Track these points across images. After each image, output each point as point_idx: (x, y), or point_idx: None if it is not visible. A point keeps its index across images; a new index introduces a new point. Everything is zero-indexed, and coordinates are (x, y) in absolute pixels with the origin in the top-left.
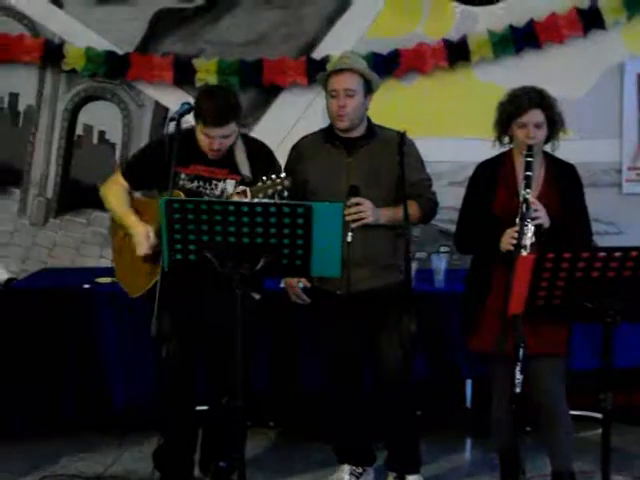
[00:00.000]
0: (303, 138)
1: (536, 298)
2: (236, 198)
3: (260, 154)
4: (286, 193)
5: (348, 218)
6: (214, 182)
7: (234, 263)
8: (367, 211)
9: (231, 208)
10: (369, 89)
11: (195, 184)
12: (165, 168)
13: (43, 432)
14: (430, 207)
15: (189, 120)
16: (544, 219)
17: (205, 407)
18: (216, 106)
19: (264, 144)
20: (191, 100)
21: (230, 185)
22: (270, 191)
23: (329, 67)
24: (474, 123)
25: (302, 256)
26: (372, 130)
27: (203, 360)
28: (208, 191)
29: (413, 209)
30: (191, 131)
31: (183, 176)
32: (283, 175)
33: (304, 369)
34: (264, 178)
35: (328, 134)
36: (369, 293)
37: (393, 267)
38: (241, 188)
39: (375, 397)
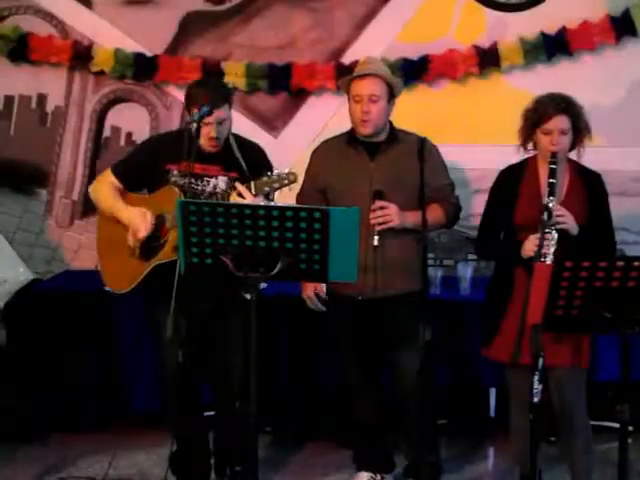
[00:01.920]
0: (324, 142)
1: (554, 308)
2: (235, 195)
3: (253, 152)
4: (290, 188)
5: (373, 221)
6: (206, 179)
7: (250, 267)
8: (393, 214)
9: (247, 211)
10: (392, 94)
11: (187, 180)
12: (155, 166)
13: (63, 433)
14: (454, 211)
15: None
16: (571, 225)
17: (211, 412)
18: (207, 89)
19: (255, 143)
20: None
21: (222, 182)
22: (276, 185)
23: (349, 75)
24: (504, 130)
25: (319, 261)
26: (394, 135)
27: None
28: (199, 187)
29: (437, 213)
30: (184, 131)
31: (175, 172)
32: (288, 169)
33: (323, 375)
34: (269, 173)
35: (350, 138)
36: (389, 299)
37: (413, 274)
38: (246, 184)
39: (395, 403)
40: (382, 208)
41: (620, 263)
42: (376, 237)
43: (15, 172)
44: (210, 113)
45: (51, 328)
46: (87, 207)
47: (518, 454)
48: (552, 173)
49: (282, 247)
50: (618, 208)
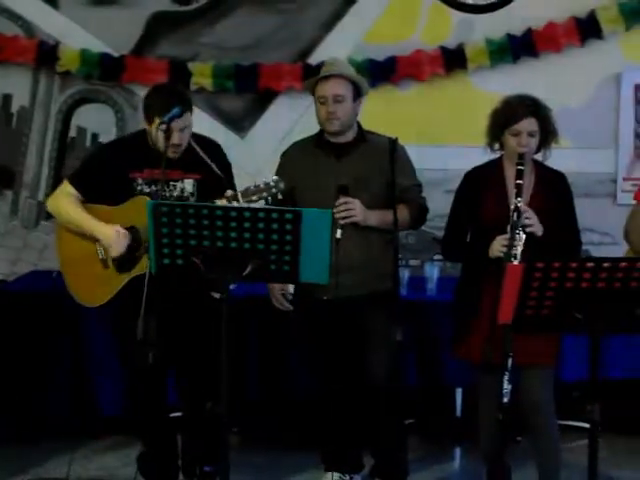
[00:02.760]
0: (293, 145)
1: (525, 308)
2: (224, 202)
3: (216, 150)
4: (280, 196)
5: (337, 216)
6: (172, 183)
7: (221, 268)
8: (356, 209)
9: (219, 212)
10: (358, 94)
11: (153, 188)
12: (117, 176)
13: (30, 436)
14: (420, 212)
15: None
16: (537, 227)
17: (178, 413)
18: (169, 97)
19: (213, 139)
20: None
21: (189, 185)
22: (264, 194)
23: (313, 77)
24: (470, 131)
25: (290, 262)
26: (362, 135)
27: (176, 366)
28: (167, 193)
29: (403, 214)
30: (139, 134)
31: (140, 181)
32: (276, 178)
33: (291, 375)
34: (256, 182)
35: (318, 140)
36: (357, 299)
37: (382, 274)
38: (230, 193)
39: (363, 404)
40: (346, 203)
41: (590, 264)
42: (339, 230)
43: None
44: (181, 114)
45: (17, 329)
46: None
47: (486, 452)
48: (519, 174)
49: (253, 248)
50: (584, 209)
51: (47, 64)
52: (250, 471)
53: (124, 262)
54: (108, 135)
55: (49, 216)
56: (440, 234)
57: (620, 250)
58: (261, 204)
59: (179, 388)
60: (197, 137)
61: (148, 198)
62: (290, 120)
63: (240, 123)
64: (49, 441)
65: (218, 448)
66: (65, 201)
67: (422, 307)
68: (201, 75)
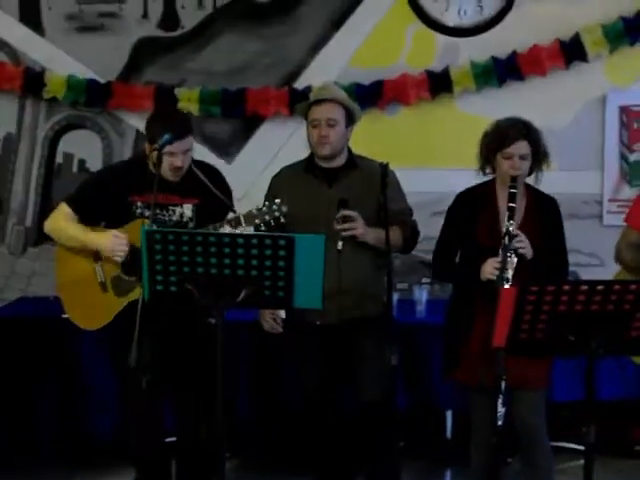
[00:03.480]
0: (283, 169)
1: (519, 332)
2: (227, 227)
3: (216, 175)
4: (283, 219)
5: (339, 227)
6: (171, 208)
7: (215, 295)
8: (357, 222)
9: (212, 239)
10: (350, 120)
11: (152, 212)
12: (116, 199)
13: (20, 465)
14: (412, 234)
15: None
16: (528, 250)
17: (173, 438)
18: (164, 123)
19: (212, 165)
20: None
21: (188, 210)
22: (267, 217)
23: (306, 101)
24: (457, 154)
25: (284, 288)
26: (353, 160)
27: (171, 391)
28: (166, 218)
29: (396, 234)
30: (139, 158)
31: (140, 204)
32: (278, 201)
33: (283, 399)
34: (259, 205)
35: (308, 164)
36: (349, 323)
37: (373, 297)
38: (232, 216)
39: (356, 428)
40: (349, 216)
41: (584, 287)
42: (340, 242)
43: None
44: (171, 141)
45: (6, 356)
46: (40, 234)
47: (479, 475)
48: (512, 197)
49: (247, 274)
50: (570, 230)
51: (33, 91)
52: None
53: (122, 283)
54: (95, 161)
55: (37, 243)
56: (427, 257)
57: (607, 272)
58: (263, 228)
59: (176, 412)
60: (197, 162)
61: (148, 221)
62: (277, 145)
63: (227, 148)
64: (40, 470)
65: (213, 472)
66: (61, 219)
67: (411, 330)
68: (187, 100)
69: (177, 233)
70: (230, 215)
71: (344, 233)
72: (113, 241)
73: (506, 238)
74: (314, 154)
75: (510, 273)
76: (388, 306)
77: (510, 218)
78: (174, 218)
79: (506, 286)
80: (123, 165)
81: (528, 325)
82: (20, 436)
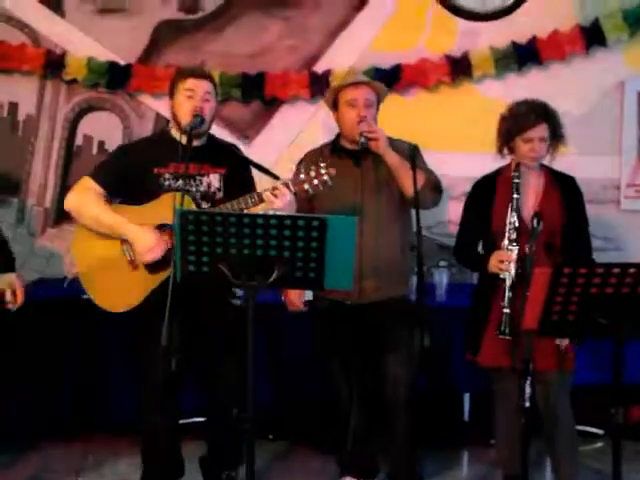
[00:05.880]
0: (310, 152)
1: (551, 313)
2: (270, 196)
3: (235, 148)
4: (330, 183)
5: (363, 128)
6: (198, 178)
7: (247, 275)
8: (379, 132)
9: (246, 220)
10: (377, 107)
11: (180, 182)
12: (141, 171)
13: (41, 444)
14: (435, 177)
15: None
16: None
17: (202, 418)
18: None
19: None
20: None
21: (215, 179)
22: (315, 181)
23: (340, 82)
24: (475, 138)
25: (315, 269)
26: None
27: (199, 372)
28: (194, 188)
29: (420, 175)
30: (162, 131)
31: (167, 176)
32: (323, 164)
33: (306, 379)
34: (304, 170)
35: (334, 147)
36: (378, 304)
37: (402, 279)
38: (281, 181)
39: (380, 409)
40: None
41: (616, 270)
42: (363, 138)
43: None
44: (202, 123)
45: (26, 337)
46: (59, 215)
47: (503, 458)
48: (516, 188)
49: (279, 255)
50: (588, 215)
51: (54, 72)
52: (265, 476)
53: (157, 262)
54: (114, 143)
55: (56, 223)
56: (444, 240)
57: (624, 256)
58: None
59: (206, 394)
60: (217, 139)
61: (177, 194)
62: (296, 128)
63: (246, 131)
64: (61, 447)
65: (242, 454)
66: (87, 197)
67: (431, 313)
68: None
69: (211, 214)
70: (280, 180)
71: (368, 134)
72: (153, 240)
73: (514, 233)
74: (344, 136)
75: (512, 266)
76: (421, 286)
77: (513, 209)
78: (201, 189)
79: (507, 280)
80: (145, 139)
81: (560, 306)
82: (37, 417)
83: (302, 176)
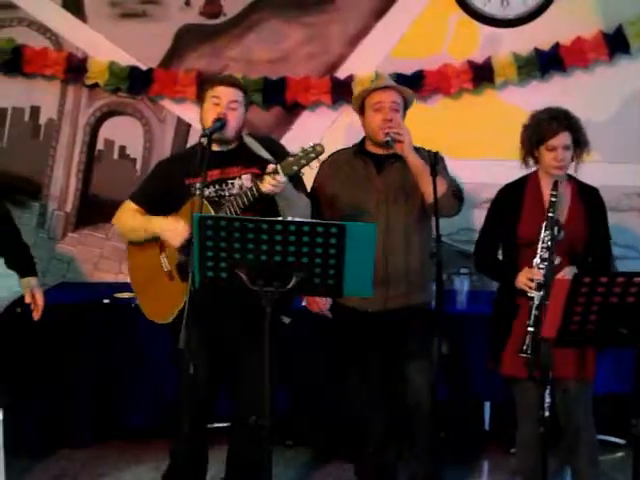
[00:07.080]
0: (333, 154)
1: (570, 323)
2: (266, 183)
3: (272, 144)
4: (320, 158)
5: (389, 130)
6: (229, 182)
7: (265, 281)
8: (406, 135)
9: (264, 226)
10: (404, 112)
11: (212, 189)
12: (174, 184)
13: (59, 448)
14: (456, 185)
15: None
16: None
17: (225, 424)
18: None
19: (268, 135)
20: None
21: (246, 180)
22: (303, 162)
23: (367, 86)
24: (496, 145)
25: (334, 276)
26: None
27: (227, 378)
28: (226, 192)
29: (441, 182)
30: (194, 146)
31: (198, 185)
32: (312, 143)
33: (325, 387)
34: (293, 152)
35: (358, 150)
36: (400, 312)
37: (423, 287)
38: (272, 167)
39: (400, 418)
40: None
41: (638, 279)
42: (389, 137)
43: (7, 184)
44: (223, 127)
45: (46, 341)
46: (80, 220)
47: (523, 467)
48: (552, 205)
49: (297, 262)
50: (609, 222)
51: (75, 77)
52: None
53: (187, 267)
54: (135, 148)
55: (76, 228)
56: (465, 247)
57: None
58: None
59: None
60: (253, 135)
61: (198, 199)
62: (317, 134)
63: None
64: (81, 454)
65: (261, 460)
66: (125, 214)
67: (451, 320)
68: None
69: (229, 219)
70: (269, 167)
71: (393, 135)
72: (172, 224)
73: (543, 250)
74: (370, 139)
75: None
76: (440, 294)
77: (547, 227)
78: (234, 191)
79: (535, 300)
80: (178, 154)
81: (579, 316)
82: (57, 420)
83: (290, 159)
